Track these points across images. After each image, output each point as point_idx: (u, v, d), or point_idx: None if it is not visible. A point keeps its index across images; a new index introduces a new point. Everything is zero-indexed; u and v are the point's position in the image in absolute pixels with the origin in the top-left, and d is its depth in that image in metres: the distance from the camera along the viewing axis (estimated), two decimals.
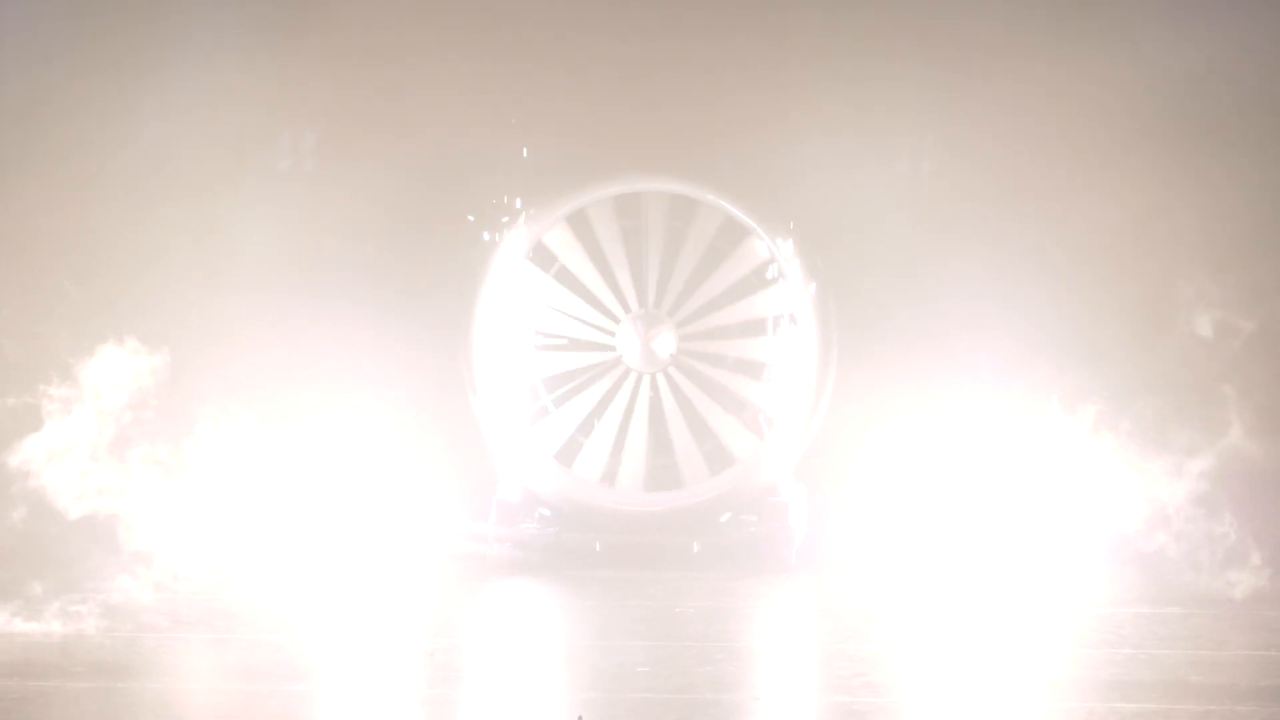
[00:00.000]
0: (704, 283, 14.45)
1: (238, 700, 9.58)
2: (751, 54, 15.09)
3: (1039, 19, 15.03)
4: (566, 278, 14.60)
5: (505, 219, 15.51)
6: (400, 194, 15.05)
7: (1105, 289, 14.75)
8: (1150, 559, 13.73)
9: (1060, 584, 13.15)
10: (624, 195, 14.74)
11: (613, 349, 14.44)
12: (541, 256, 14.63)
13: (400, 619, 12.72)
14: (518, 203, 15.57)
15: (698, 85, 15.02)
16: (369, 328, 14.81)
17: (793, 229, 14.81)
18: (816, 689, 10.70)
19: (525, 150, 15.62)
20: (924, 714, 9.39)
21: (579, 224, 14.64)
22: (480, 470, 15.14)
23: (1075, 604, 12.71)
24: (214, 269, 15.18)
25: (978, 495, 14.14)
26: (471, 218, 15.84)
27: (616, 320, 14.42)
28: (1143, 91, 14.80)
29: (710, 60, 15.02)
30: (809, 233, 15.03)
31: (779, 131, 14.95)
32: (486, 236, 15.60)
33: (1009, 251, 14.69)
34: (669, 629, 12.25)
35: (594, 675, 10.32)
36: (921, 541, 14.08)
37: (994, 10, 15.03)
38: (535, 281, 14.69)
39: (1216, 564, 13.39)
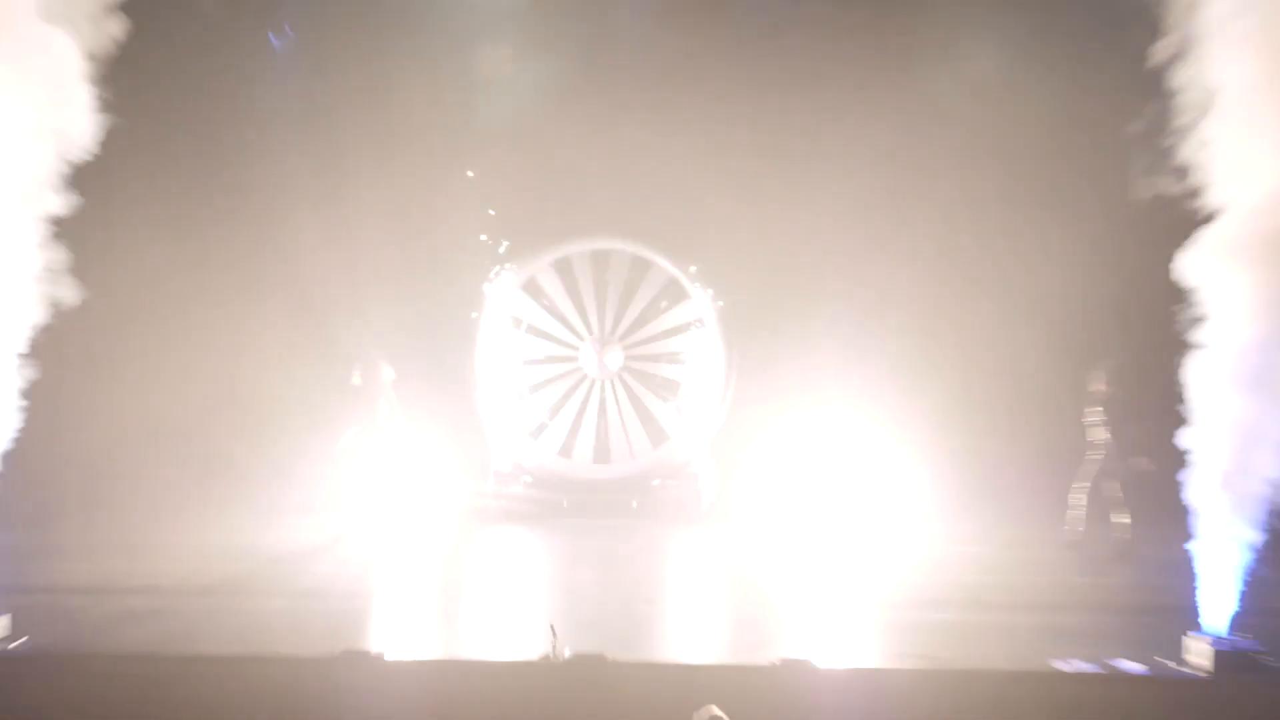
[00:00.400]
0: (648, 320, 15.87)
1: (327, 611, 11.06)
2: (687, 148, 15.38)
3: (898, 85, 15.40)
4: (549, 306, 15.91)
5: (503, 261, 16.26)
6: (425, 240, 15.82)
7: (939, 311, 15.56)
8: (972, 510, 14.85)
9: (901, 530, 14.27)
10: (597, 250, 15.98)
11: (575, 361, 15.88)
12: (531, 289, 15.90)
13: (430, 549, 14.05)
14: (503, 247, 16.31)
15: (652, 172, 15.64)
16: (401, 344, 15.54)
17: (703, 271, 16.04)
18: (718, 598, 12.60)
19: (491, 210, 16.33)
20: (786, 595, 11.40)
21: (563, 268, 15.96)
22: (480, 448, 16.25)
23: (912, 544, 13.85)
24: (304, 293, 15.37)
25: (844, 467, 15.09)
26: (484, 236, 16.38)
27: (582, 340, 15.81)
28: (981, 149, 15.32)
29: (659, 154, 15.46)
30: (721, 275, 16.13)
31: (699, 201, 15.73)
32: (495, 271, 16.28)
33: (867, 276, 15.50)
34: (615, 561, 13.76)
35: (561, 593, 12.21)
36: (799, 500, 15.10)
37: (853, 81, 15.40)
38: (525, 308, 15.96)
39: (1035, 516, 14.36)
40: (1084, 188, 15.17)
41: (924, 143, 15.15)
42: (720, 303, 16.05)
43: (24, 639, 9.77)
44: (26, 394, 10.11)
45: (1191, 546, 9.52)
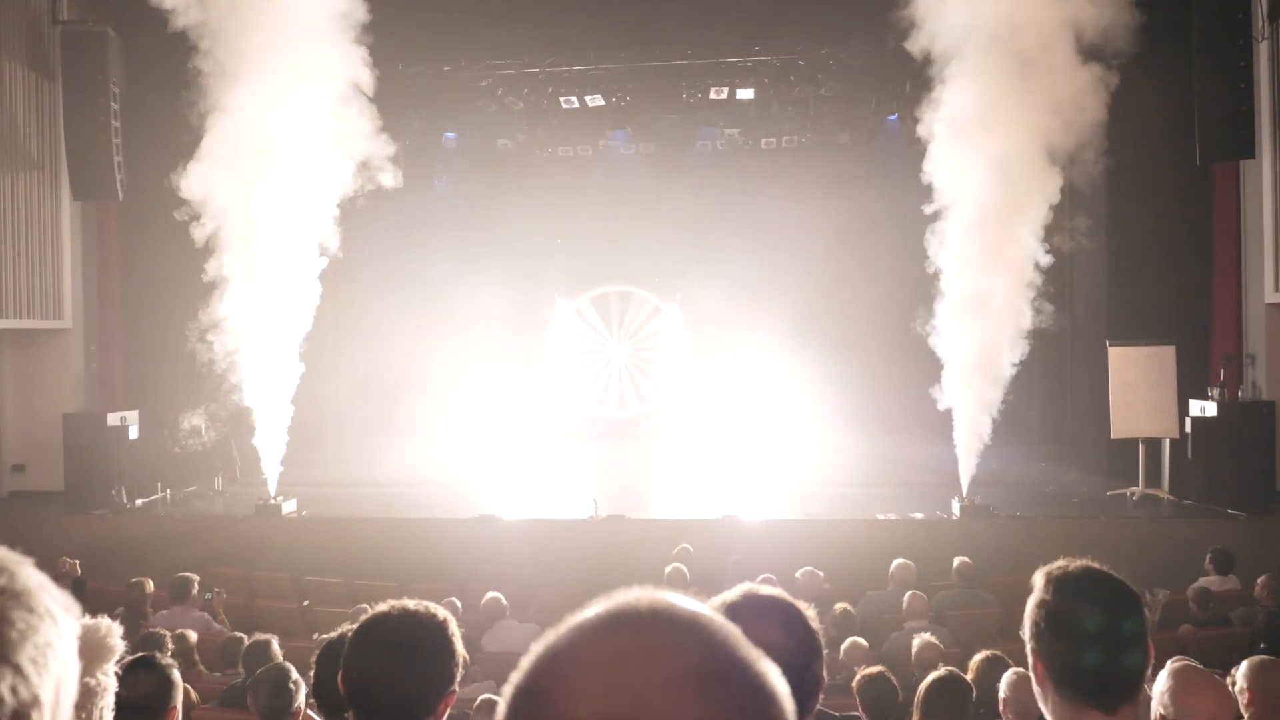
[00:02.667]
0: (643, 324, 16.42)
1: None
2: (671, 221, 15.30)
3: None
4: (589, 320, 16.46)
5: (559, 295, 16.33)
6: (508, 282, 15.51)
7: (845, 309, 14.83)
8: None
9: (799, 442, 13.74)
10: (619, 291, 16.49)
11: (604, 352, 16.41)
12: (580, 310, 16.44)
13: (524, 456, 13.80)
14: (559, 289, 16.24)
15: (653, 232, 15.49)
16: (500, 344, 15.44)
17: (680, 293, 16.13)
18: (686, 479, 12.71)
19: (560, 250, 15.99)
20: (726, 477, 11.55)
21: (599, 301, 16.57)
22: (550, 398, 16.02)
23: (806, 451, 13.54)
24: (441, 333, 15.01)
25: (768, 417, 14.62)
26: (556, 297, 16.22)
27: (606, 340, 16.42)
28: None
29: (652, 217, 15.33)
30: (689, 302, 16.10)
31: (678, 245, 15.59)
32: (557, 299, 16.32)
33: (791, 288, 14.73)
34: (627, 462, 14.15)
35: (599, 477, 12.31)
36: (738, 426, 14.78)
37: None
38: (574, 323, 16.50)
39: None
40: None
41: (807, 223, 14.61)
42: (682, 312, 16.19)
43: (304, 511, 10.78)
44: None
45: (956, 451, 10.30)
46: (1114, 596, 1.67)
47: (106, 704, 2.18)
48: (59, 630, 0.83)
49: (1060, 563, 1.75)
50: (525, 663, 0.74)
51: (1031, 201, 9.25)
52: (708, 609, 0.76)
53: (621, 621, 0.73)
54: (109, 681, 2.21)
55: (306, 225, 10.07)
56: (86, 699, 2.13)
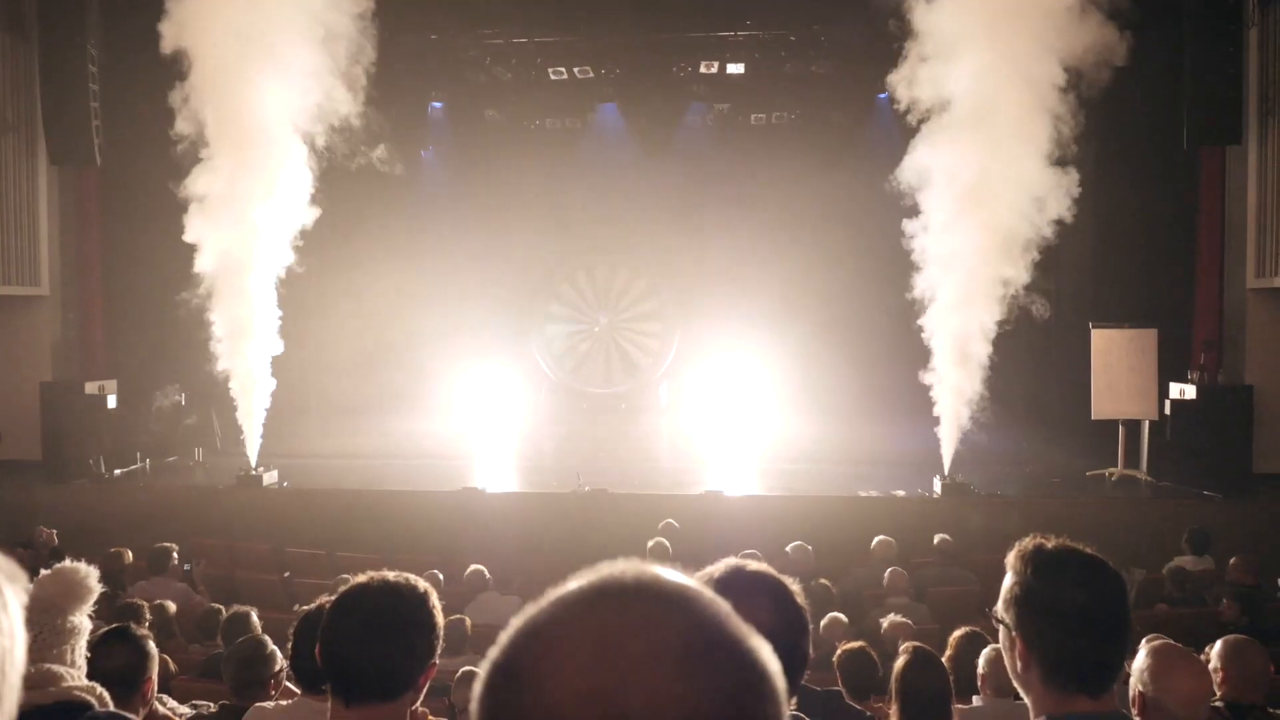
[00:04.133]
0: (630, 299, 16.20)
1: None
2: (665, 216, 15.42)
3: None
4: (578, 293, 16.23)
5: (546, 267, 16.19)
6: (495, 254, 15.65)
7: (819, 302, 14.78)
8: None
9: (774, 422, 13.77)
10: (605, 265, 16.28)
11: (590, 324, 16.22)
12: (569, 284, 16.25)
13: (511, 430, 13.88)
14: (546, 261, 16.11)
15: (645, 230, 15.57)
16: (487, 316, 15.47)
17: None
18: (669, 455, 12.77)
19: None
20: (708, 454, 11.44)
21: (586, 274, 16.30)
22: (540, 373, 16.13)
23: (781, 429, 13.41)
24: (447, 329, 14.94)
25: (753, 394, 14.48)
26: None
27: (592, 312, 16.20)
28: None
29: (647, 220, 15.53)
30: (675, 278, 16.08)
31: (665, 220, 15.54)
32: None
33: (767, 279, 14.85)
34: (613, 437, 13.76)
35: (585, 453, 12.20)
36: (718, 403, 14.56)
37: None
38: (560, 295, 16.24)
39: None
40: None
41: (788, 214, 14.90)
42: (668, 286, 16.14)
43: (286, 482, 10.73)
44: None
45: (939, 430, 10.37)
46: (1100, 578, 1.62)
47: (82, 645, 2.18)
48: (3, 599, 0.79)
49: (1033, 540, 1.71)
50: (504, 638, 0.70)
51: (1019, 175, 9.20)
52: (695, 582, 0.73)
53: (605, 595, 0.70)
54: (85, 623, 2.20)
55: (286, 191, 9.95)
56: (64, 638, 2.12)
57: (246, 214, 9.88)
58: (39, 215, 11.81)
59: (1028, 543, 1.69)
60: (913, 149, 9.47)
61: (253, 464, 10.40)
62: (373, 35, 10.01)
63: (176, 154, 9.85)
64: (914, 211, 9.68)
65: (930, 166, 9.42)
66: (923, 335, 9.91)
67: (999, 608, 1.70)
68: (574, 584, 0.71)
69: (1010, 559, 1.69)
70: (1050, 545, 1.67)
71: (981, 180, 9.17)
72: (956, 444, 9.94)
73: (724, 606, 0.71)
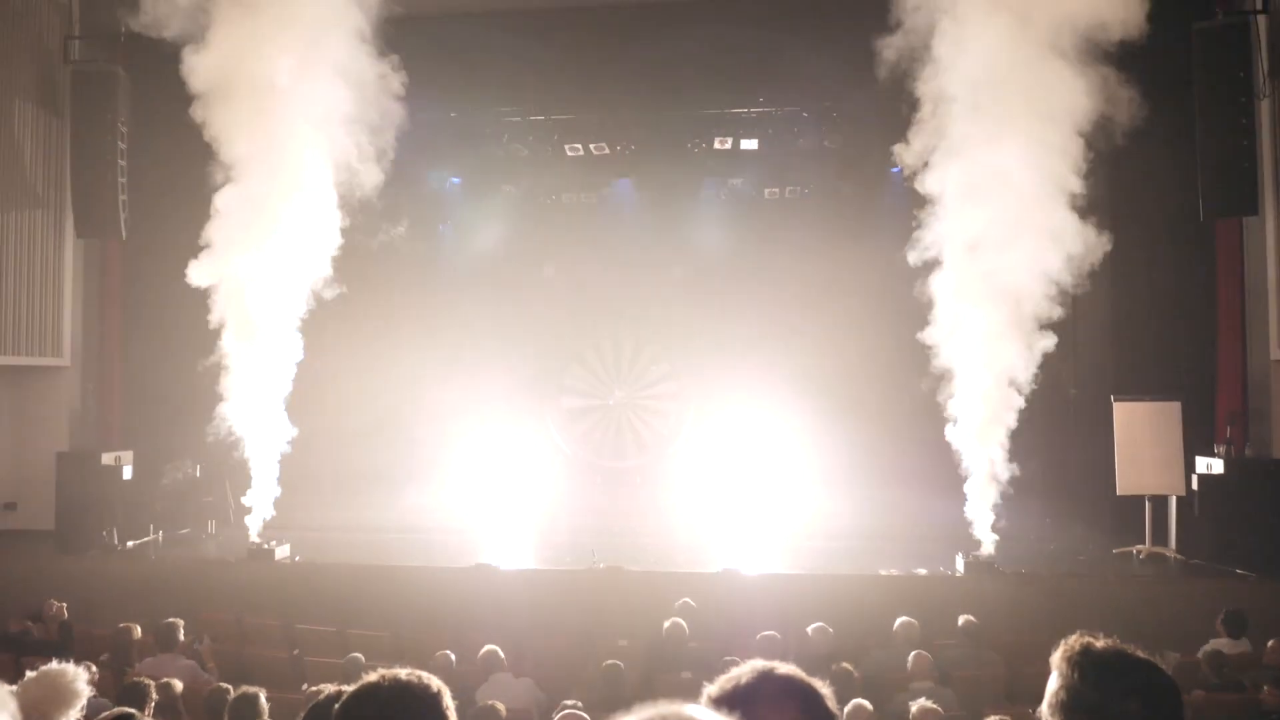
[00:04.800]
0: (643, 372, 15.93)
1: None
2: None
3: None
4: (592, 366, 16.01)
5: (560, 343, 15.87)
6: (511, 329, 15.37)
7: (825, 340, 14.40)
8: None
9: (790, 494, 13.44)
10: (619, 340, 15.90)
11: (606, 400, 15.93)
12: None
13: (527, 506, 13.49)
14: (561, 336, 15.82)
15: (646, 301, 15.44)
16: (501, 391, 15.07)
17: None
18: (685, 533, 12.18)
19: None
20: (725, 532, 11.64)
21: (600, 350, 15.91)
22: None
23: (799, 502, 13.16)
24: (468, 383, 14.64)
25: (760, 456, 14.29)
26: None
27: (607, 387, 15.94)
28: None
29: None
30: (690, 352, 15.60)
31: (680, 294, 15.38)
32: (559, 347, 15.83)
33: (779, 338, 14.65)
34: (631, 514, 13.69)
35: (601, 530, 12.21)
36: (736, 477, 14.20)
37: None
38: (575, 371, 15.95)
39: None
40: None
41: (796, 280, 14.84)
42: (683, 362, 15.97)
43: (297, 556, 10.65)
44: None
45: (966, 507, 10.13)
46: (1154, 686, 1.54)
47: None
48: None
49: (1080, 640, 1.63)
50: None
51: (1038, 247, 9.18)
52: None
53: None
54: None
55: (302, 270, 10.11)
56: None
57: (267, 288, 9.99)
58: (64, 287, 12.00)
59: (1075, 643, 1.61)
60: (928, 219, 9.50)
61: (255, 537, 10.32)
62: (395, 114, 10.21)
63: (200, 228, 10.04)
64: (925, 283, 9.66)
65: (944, 235, 9.42)
66: (946, 405, 9.81)
67: (1044, 711, 1.62)
68: None
69: (1056, 659, 1.61)
70: (1099, 647, 1.59)
71: (997, 247, 9.17)
72: (988, 516, 9.75)
73: None
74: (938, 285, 9.60)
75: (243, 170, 9.89)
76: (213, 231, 10.00)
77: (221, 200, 9.94)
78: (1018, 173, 9.12)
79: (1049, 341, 9.48)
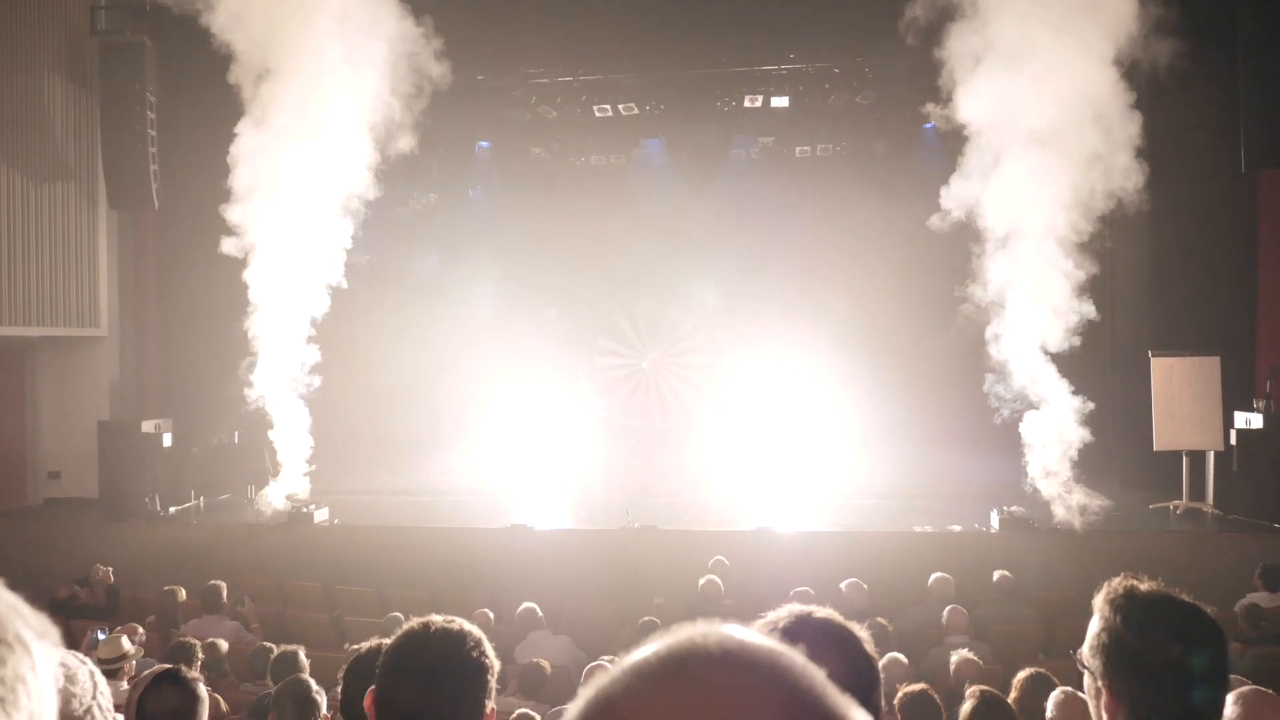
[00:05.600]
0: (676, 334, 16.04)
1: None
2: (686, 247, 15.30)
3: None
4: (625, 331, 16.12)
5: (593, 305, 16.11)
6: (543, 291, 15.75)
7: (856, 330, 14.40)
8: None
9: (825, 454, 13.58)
10: (653, 301, 16.12)
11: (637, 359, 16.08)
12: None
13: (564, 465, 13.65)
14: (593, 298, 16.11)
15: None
16: (535, 353, 15.34)
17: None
18: (717, 490, 12.28)
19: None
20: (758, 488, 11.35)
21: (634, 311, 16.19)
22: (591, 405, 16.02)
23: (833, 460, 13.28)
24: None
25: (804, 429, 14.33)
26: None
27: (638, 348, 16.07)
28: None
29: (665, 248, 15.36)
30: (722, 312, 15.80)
31: (712, 255, 15.45)
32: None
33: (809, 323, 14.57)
34: (664, 471, 13.80)
35: (634, 481, 12.46)
36: (769, 435, 14.49)
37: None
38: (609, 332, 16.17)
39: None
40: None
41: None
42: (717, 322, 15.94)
43: (336, 519, 10.81)
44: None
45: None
46: (1198, 631, 1.52)
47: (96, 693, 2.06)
48: (32, 660, 0.73)
49: (1124, 583, 1.60)
50: (574, 712, 0.63)
51: (1074, 204, 9.05)
52: (785, 648, 0.65)
53: (687, 665, 0.61)
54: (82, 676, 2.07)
55: (332, 227, 10.13)
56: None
57: (295, 252, 10.06)
58: (99, 258, 12.13)
59: (1118, 585, 1.59)
60: (965, 168, 9.38)
61: (294, 501, 10.40)
62: (429, 76, 10.22)
63: (229, 197, 10.08)
64: (964, 236, 9.50)
65: (981, 187, 9.29)
66: (984, 359, 9.69)
67: (1085, 652, 1.61)
68: (650, 650, 0.64)
69: (1098, 602, 1.60)
70: (1143, 590, 1.58)
71: (1038, 194, 9.02)
72: (1018, 474, 9.66)
73: (819, 676, 0.64)
74: (983, 224, 9.43)
75: (272, 128, 9.87)
76: (241, 184, 9.99)
77: (248, 154, 9.94)
78: (1056, 110, 8.93)
79: (1084, 295, 9.34)
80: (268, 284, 10.14)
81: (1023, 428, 9.55)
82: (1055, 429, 9.33)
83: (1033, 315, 9.30)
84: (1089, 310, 9.33)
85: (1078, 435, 9.32)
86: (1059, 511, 9.36)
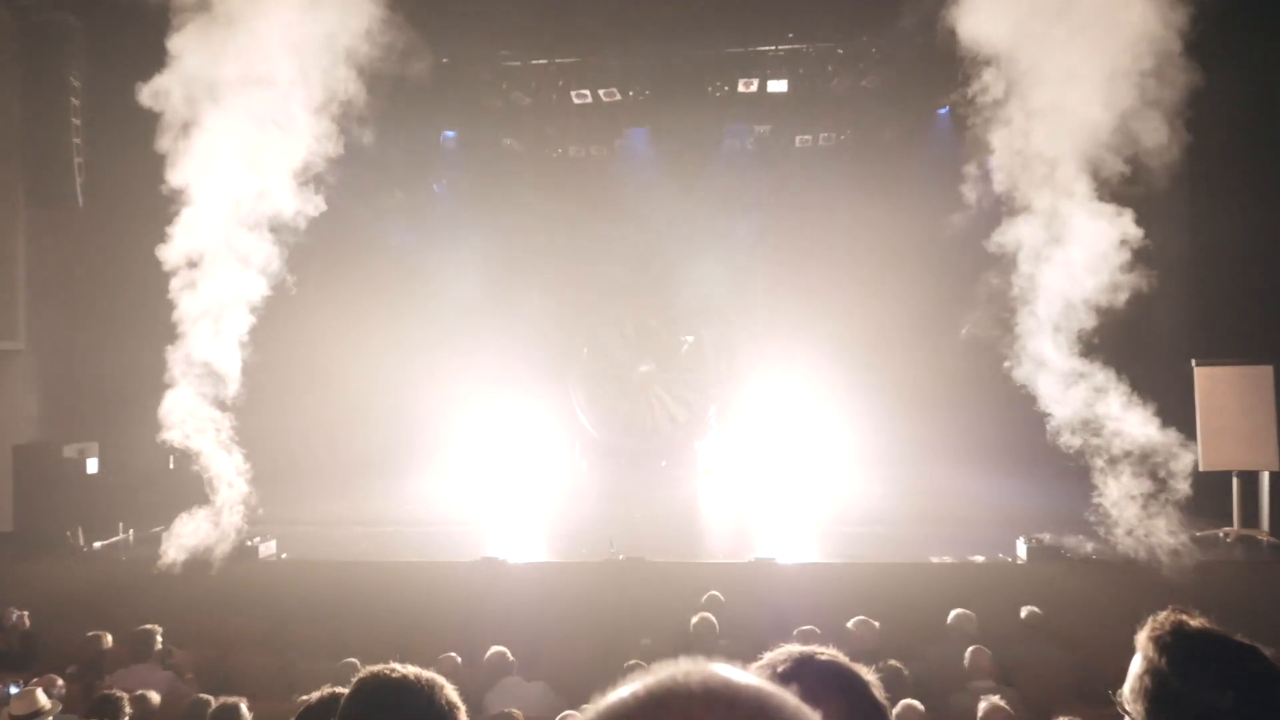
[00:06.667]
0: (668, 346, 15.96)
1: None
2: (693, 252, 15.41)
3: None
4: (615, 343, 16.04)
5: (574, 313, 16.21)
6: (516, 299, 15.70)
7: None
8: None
9: (831, 476, 13.86)
10: (639, 308, 16.15)
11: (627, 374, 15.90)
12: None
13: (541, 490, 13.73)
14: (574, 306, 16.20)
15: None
16: (508, 367, 15.34)
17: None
18: (714, 518, 12.77)
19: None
20: (757, 516, 11.47)
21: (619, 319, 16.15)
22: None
23: (840, 485, 13.46)
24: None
25: (807, 448, 14.53)
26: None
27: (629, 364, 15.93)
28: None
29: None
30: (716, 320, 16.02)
31: (703, 256, 15.49)
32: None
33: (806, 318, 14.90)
34: (652, 498, 13.70)
35: (619, 512, 12.29)
36: (769, 457, 14.67)
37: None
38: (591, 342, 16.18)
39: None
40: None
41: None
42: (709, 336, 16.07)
43: (285, 554, 10.57)
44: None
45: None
46: (1253, 675, 1.48)
47: None
48: None
49: (1170, 617, 1.57)
50: None
51: (1106, 197, 9.02)
52: (770, 686, 0.65)
53: (667, 706, 0.63)
54: None
55: (279, 227, 10.07)
56: None
57: (234, 257, 9.94)
58: (15, 261, 11.93)
59: (1164, 621, 1.56)
60: (991, 153, 9.36)
61: (238, 533, 10.19)
62: (380, 63, 10.12)
63: (163, 199, 9.95)
64: (988, 226, 9.49)
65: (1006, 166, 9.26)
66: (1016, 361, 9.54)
67: (1125, 695, 1.58)
68: (628, 690, 0.66)
69: (1141, 640, 1.57)
70: (1192, 627, 1.54)
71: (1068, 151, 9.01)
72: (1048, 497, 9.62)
73: (806, 714, 0.65)
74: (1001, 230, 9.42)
75: (212, 114, 9.76)
76: (177, 182, 9.86)
77: (184, 148, 9.81)
78: (1087, 101, 8.92)
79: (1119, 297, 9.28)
80: (201, 293, 9.96)
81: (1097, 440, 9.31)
82: (1132, 440, 9.01)
83: (1067, 295, 9.19)
84: (1130, 284, 9.16)
85: (1165, 450, 8.95)
86: (1126, 542, 9.08)
